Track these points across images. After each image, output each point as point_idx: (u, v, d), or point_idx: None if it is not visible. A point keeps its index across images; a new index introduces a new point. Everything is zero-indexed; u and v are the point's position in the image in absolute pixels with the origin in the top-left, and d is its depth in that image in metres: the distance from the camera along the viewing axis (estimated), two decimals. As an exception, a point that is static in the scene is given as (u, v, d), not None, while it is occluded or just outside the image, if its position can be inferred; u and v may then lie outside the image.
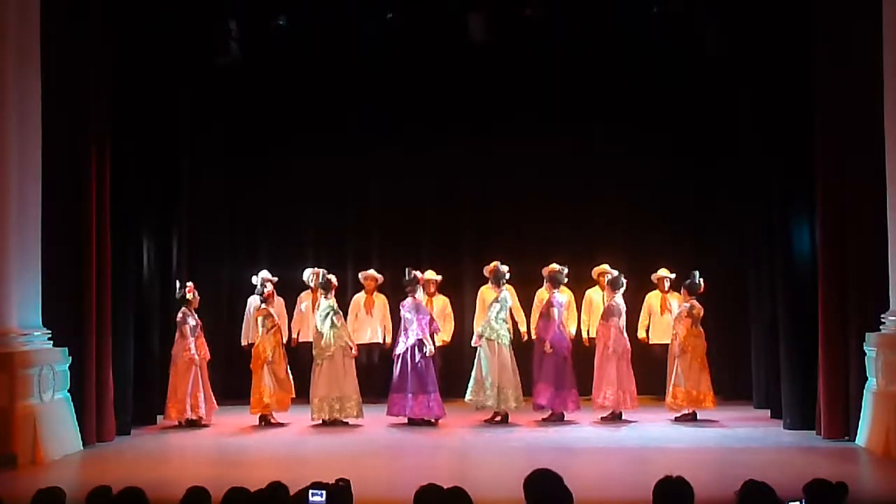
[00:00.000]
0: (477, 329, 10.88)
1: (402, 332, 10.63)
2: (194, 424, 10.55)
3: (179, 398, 10.51)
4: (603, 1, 11.40)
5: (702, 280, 10.68)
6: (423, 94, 12.46)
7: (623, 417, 10.67)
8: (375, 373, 12.08)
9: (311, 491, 4.44)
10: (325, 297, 10.76)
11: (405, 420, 10.50)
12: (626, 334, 10.84)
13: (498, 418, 10.65)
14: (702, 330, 10.63)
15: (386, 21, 11.55)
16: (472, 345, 10.86)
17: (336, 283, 10.92)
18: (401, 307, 10.76)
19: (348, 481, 4.74)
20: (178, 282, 11.12)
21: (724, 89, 11.83)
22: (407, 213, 13.05)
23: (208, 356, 10.88)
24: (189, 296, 10.73)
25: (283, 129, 12.75)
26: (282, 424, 10.66)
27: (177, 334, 10.66)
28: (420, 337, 10.44)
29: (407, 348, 10.49)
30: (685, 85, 12.23)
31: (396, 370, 10.56)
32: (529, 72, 12.33)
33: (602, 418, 10.67)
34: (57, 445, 8.86)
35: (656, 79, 12.13)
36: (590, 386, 10.80)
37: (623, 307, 10.85)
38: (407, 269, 10.83)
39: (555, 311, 10.71)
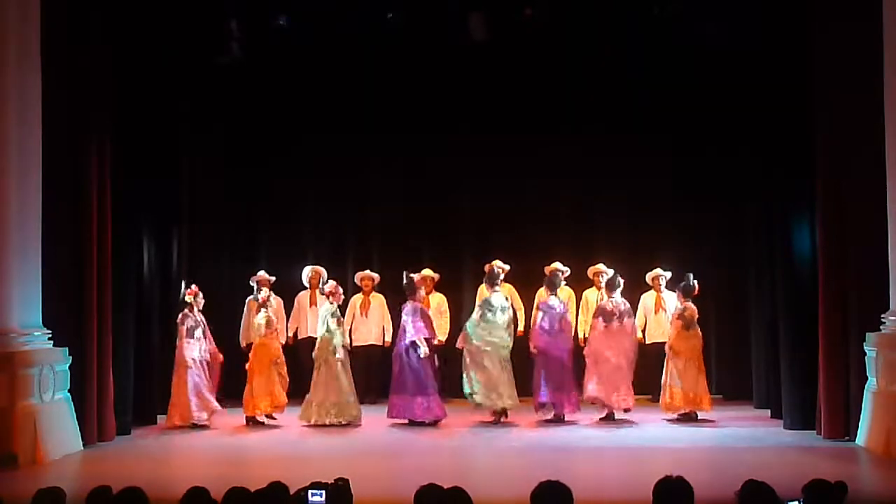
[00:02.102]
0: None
1: (401, 335, 10.65)
2: (196, 425, 10.53)
3: (205, 396, 10.48)
4: (603, 1, 11.40)
5: (696, 282, 10.67)
6: (424, 93, 12.44)
7: (615, 418, 10.62)
8: (374, 374, 12.09)
9: (310, 491, 4.45)
10: (329, 301, 10.76)
11: (405, 420, 10.51)
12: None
13: (498, 418, 10.64)
14: (698, 331, 10.61)
15: (386, 21, 11.55)
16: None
17: (341, 293, 10.92)
18: (402, 310, 10.78)
19: (347, 481, 4.74)
20: (184, 283, 11.08)
21: (724, 89, 11.82)
22: (407, 212, 13.04)
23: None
24: (189, 299, 10.71)
25: (283, 129, 12.76)
26: (279, 425, 10.66)
27: (180, 336, 10.63)
28: (414, 339, 10.45)
29: (404, 350, 10.50)
30: (685, 85, 12.21)
31: (395, 372, 10.58)
32: (529, 72, 12.32)
33: (601, 419, 10.64)
34: (57, 445, 8.86)
35: (656, 79, 12.12)
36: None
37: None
38: (405, 274, 10.85)
39: (539, 314, 10.75)
